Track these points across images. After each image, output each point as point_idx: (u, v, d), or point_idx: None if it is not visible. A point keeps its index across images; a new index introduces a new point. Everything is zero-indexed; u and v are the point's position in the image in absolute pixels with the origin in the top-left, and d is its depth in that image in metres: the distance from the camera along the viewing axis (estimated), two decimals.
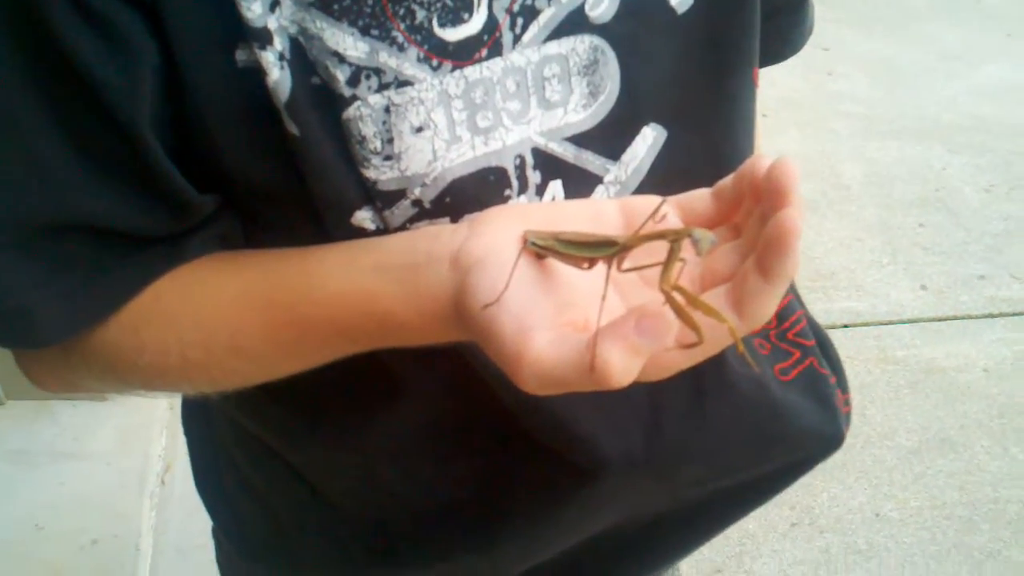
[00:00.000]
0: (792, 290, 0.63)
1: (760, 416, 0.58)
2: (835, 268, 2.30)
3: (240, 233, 0.49)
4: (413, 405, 0.55)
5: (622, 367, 0.33)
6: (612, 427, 0.54)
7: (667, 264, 0.37)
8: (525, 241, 0.41)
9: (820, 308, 2.16)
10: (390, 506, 0.60)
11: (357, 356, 0.48)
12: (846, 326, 2.14)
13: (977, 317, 2.17)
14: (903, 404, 1.95)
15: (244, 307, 0.47)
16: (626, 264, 0.40)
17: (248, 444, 0.64)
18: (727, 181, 0.42)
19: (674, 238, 0.37)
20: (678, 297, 0.36)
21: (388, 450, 0.57)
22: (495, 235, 0.41)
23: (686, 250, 0.38)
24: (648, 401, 0.54)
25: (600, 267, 0.40)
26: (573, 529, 0.60)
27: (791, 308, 0.62)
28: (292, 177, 0.45)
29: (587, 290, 0.40)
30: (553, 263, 0.41)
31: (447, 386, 0.54)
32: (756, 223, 0.39)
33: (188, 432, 0.72)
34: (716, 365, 0.55)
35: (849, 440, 0.62)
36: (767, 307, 0.36)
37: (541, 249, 0.40)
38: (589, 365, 0.34)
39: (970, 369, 2.03)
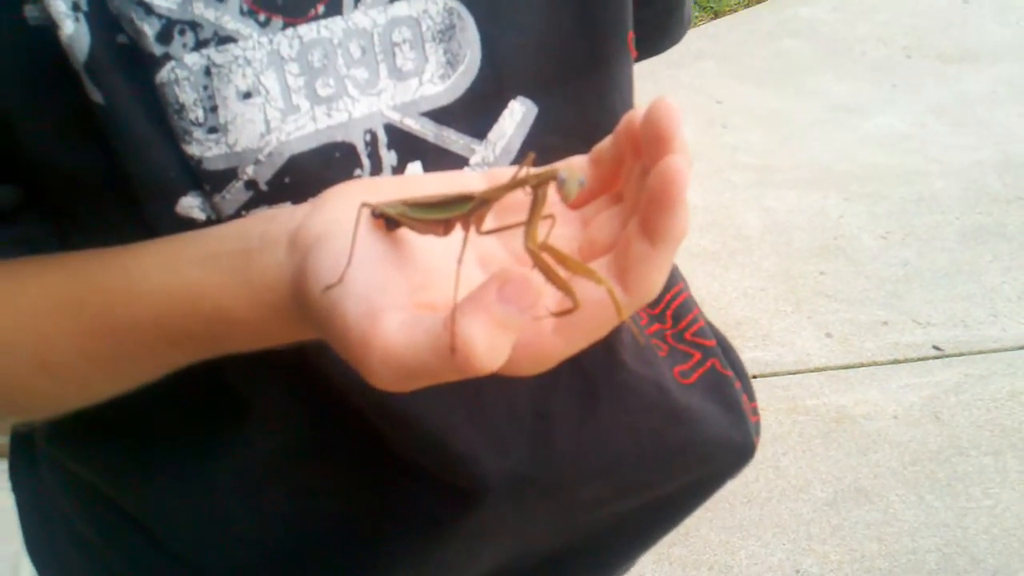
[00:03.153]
0: (685, 288, 0.59)
1: (661, 423, 0.53)
2: (740, 318, 2.31)
3: (53, 235, 0.43)
4: (261, 429, 0.49)
5: (487, 345, 0.28)
6: (493, 440, 0.48)
7: (530, 217, 0.32)
8: (373, 212, 0.35)
9: None
10: (242, 551, 0.53)
11: (191, 372, 0.42)
12: (755, 376, 2.13)
13: (883, 363, 2.20)
14: (816, 455, 1.95)
15: (50, 314, 0.41)
16: (488, 226, 0.35)
17: (77, 491, 0.56)
18: (606, 143, 0.37)
19: (536, 183, 0.32)
20: (546, 257, 0.31)
21: (235, 485, 0.51)
22: (339, 209, 0.36)
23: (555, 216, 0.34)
24: (532, 408, 0.49)
25: (476, 238, 0.35)
26: (458, 569, 0.53)
27: (687, 307, 0.59)
28: (105, 159, 0.39)
29: (446, 271, 0.35)
30: (405, 239, 0.36)
31: (299, 403, 0.48)
32: (636, 180, 0.34)
33: (15, 483, 0.63)
34: (607, 365, 0.51)
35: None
36: (656, 275, 0.31)
37: (388, 217, 0.35)
38: (449, 346, 0.28)
39: (880, 417, 2.05)
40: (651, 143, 0.32)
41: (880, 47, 3.57)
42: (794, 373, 2.16)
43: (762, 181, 2.88)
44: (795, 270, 2.49)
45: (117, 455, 0.52)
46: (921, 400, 2.09)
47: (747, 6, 3.93)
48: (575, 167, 0.31)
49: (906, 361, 2.21)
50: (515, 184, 0.33)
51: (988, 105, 3.15)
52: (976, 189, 2.76)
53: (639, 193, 0.32)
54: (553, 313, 0.31)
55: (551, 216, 0.36)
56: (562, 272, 0.31)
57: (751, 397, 0.61)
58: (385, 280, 0.33)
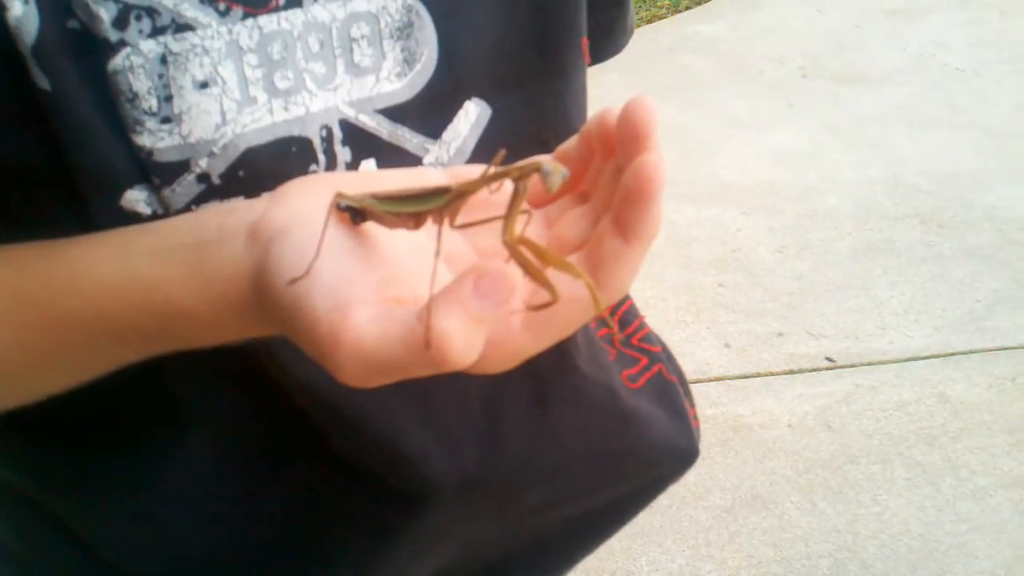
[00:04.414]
0: (629, 295, 0.60)
1: (609, 426, 0.54)
2: None
3: None
4: (204, 432, 0.48)
5: (463, 340, 0.28)
6: (444, 442, 0.48)
7: (510, 211, 0.32)
8: (337, 204, 0.35)
9: None
10: (182, 559, 0.51)
11: (131, 372, 0.41)
12: None
13: (778, 374, 2.27)
14: (715, 462, 1.99)
15: None
16: (460, 220, 0.35)
17: (2, 496, 0.53)
18: (571, 142, 0.38)
19: (518, 175, 0.32)
20: (524, 252, 0.31)
21: (177, 490, 0.49)
22: (302, 202, 0.36)
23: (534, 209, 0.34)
24: (483, 410, 0.49)
25: (429, 233, 0.35)
26: (402, 571, 0.53)
27: (632, 313, 0.60)
28: (47, 150, 0.38)
29: (412, 264, 0.35)
30: (371, 234, 0.35)
31: (244, 406, 0.47)
32: (610, 178, 0.35)
33: None
34: (560, 367, 0.51)
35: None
36: (628, 273, 0.32)
37: (357, 211, 0.35)
38: (423, 341, 0.28)
39: (775, 425, 2.11)
40: (626, 141, 0.32)
41: (777, 66, 3.69)
42: (694, 382, 2.20)
43: (664, 194, 2.93)
44: (695, 281, 2.55)
45: (48, 458, 0.50)
46: (814, 410, 2.16)
47: (649, 22, 4.01)
48: (559, 163, 0.32)
49: (800, 372, 2.28)
50: (496, 176, 0.33)
51: (879, 126, 3.28)
52: (867, 206, 2.87)
53: (612, 192, 0.33)
54: (532, 307, 0.31)
55: (527, 212, 0.36)
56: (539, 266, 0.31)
57: (691, 403, 0.62)
58: (353, 273, 0.32)
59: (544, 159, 0.33)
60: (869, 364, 2.29)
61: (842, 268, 2.62)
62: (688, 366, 2.27)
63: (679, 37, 3.88)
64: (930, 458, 2.02)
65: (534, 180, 0.32)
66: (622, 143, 0.33)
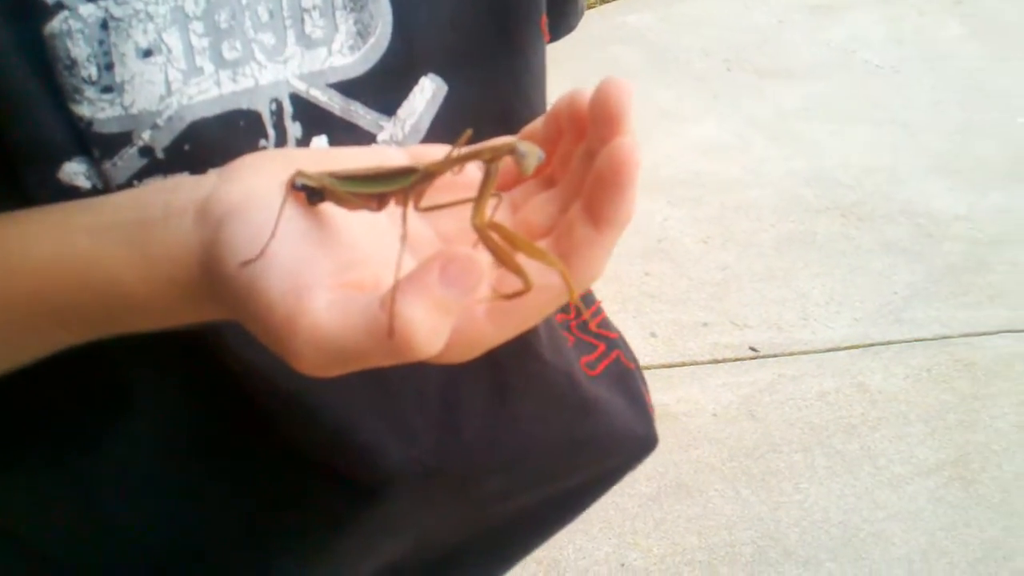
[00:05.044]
0: None
1: (569, 414, 0.53)
2: None
3: None
4: (145, 418, 0.45)
5: (428, 329, 0.27)
6: (400, 431, 0.47)
7: (480, 194, 0.30)
8: (293, 183, 0.33)
9: None
10: (119, 551, 0.49)
11: (70, 355, 0.38)
12: None
13: (703, 363, 2.29)
14: None
15: None
16: (427, 203, 0.33)
17: None
18: (536, 124, 0.37)
19: (491, 157, 0.30)
20: (495, 238, 0.30)
21: (116, 479, 0.47)
22: (254, 180, 0.34)
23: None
24: (441, 397, 0.48)
25: (388, 215, 0.34)
26: (354, 563, 0.51)
27: (590, 298, 0.59)
28: None
29: (372, 248, 0.33)
30: (328, 215, 0.33)
31: (188, 393, 0.45)
32: (581, 162, 0.33)
33: None
34: (521, 355, 0.50)
35: None
36: (600, 260, 0.31)
37: (315, 191, 0.33)
38: (385, 329, 0.27)
39: (699, 414, 2.13)
40: (599, 123, 0.31)
41: (703, 58, 3.73)
42: None
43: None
44: (622, 271, 2.56)
45: None
46: (738, 399, 2.19)
47: None
48: (534, 144, 0.30)
49: (724, 361, 2.31)
50: (467, 157, 0.31)
51: (801, 120, 3.34)
52: (789, 199, 2.92)
53: (582, 177, 0.31)
54: (504, 296, 0.30)
55: (497, 195, 0.34)
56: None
57: (646, 390, 0.62)
58: (310, 256, 0.31)
59: (517, 140, 0.31)
60: (791, 354, 2.33)
61: (765, 260, 2.66)
62: None
63: (608, 27, 3.89)
64: (849, 447, 2.07)
65: (506, 162, 0.31)
66: (595, 125, 0.32)
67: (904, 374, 2.27)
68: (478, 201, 0.30)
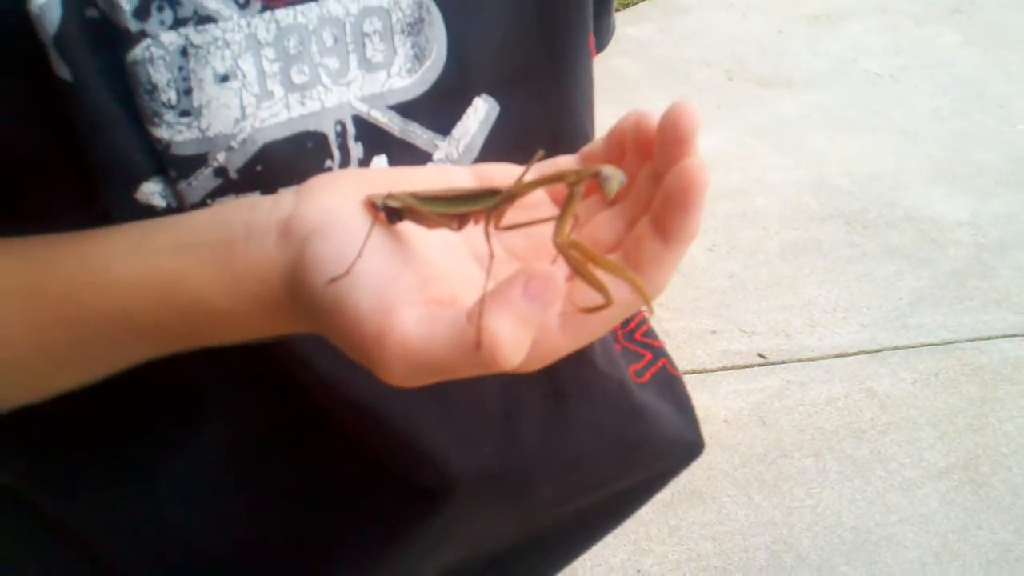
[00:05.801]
0: None
1: (622, 421, 0.55)
2: None
3: None
4: (214, 427, 0.47)
5: (513, 341, 0.29)
6: (462, 439, 0.48)
7: (563, 214, 0.32)
8: (373, 204, 0.35)
9: None
10: (185, 560, 0.50)
11: (143, 366, 0.40)
12: None
13: (713, 370, 2.30)
14: None
15: (1, 301, 0.38)
16: (505, 222, 0.35)
17: None
18: (598, 143, 0.39)
19: (575, 180, 0.32)
20: (576, 255, 0.32)
21: (179, 488, 0.48)
22: (333, 199, 0.36)
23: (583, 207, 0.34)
24: (501, 406, 0.49)
25: (465, 232, 0.36)
26: (413, 567, 0.53)
27: None
28: (61, 140, 0.37)
29: (447, 264, 0.35)
30: (406, 233, 0.35)
31: (256, 402, 0.46)
32: (647, 181, 0.35)
33: None
34: (576, 364, 0.51)
35: None
36: (667, 274, 0.33)
37: (394, 211, 0.35)
38: (473, 342, 0.29)
39: (711, 421, 2.14)
40: (667, 145, 0.33)
41: (705, 69, 3.76)
42: None
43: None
44: None
45: (43, 456, 0.48)
46: (748, 405, 2.20)
47: None
48: (617, 168, 0.32)
49: (734, 368, 2.32)
50: (551, 179, 0.33)
51: (803, 128, 3.36)
52: (794, 207, 2.94)
53: (648, 195, 0.33)
54: (586, 309, 0.32)
55: (576, 216, 0.36)
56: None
57: (689, 397, 0.64)
58: (395, 273, 0.33)
59: (603, 164, 0.33)
60: (799, 361, 2.35)
61: (771, 267, 2.68)
62: None
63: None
64: (860, 451, 2.08)
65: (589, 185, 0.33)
66: (663, 147, 0.33)
67: (912, 379, 2.28)
68: (561, 221, 0.32)
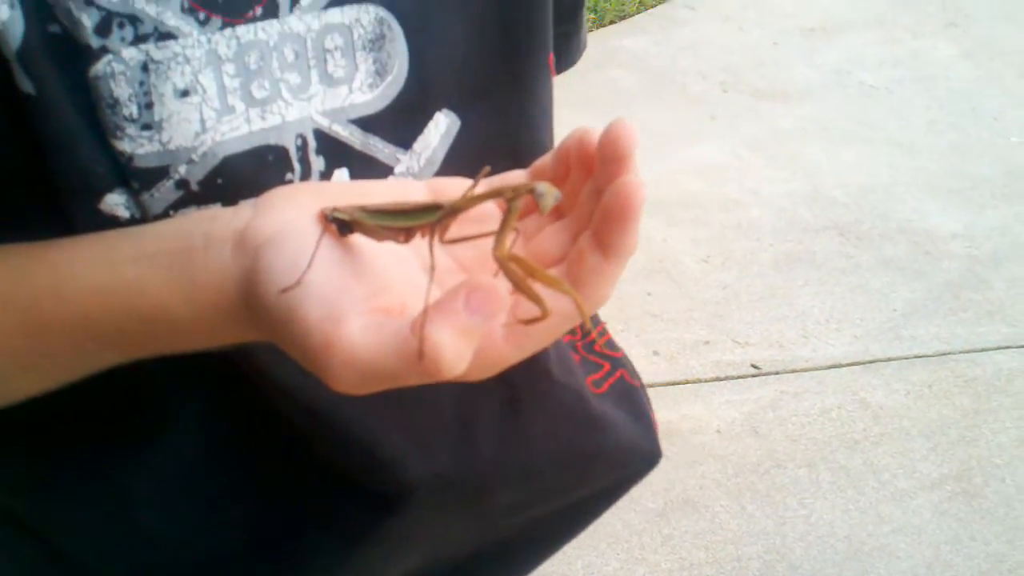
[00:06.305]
0: None
1: (578, 430, 0.56)
2: None
3: None
4: (181, 433, 0.48)
5: (454, 351, 0.30)
6: (419, 445, 0.49)
7: (502, 228, 0.33)
8: (325, 217, 0.36)
9: None
10: (148, 561, 0.51)
11: (111, 372, 0.41)
12: None
13: (706, 381, 2.31)
14: None
15: None
16: (449, 235, 0.36)
17: None
18: (546, 159, 0.40)
19: (512, 196, 0.34)
20: (515, 268, 0.33)
21: (148, 492, 0.49)
22: (288, 211, 0.37)
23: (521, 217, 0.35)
24: (456, 414, 0.50)
25: (416, 244, 0.37)
26: (374, 572, 0.53)
27: (594, 320, 0.61)
28: (26, 153, 0.38)
29: (397, 274, 0.36)
30: (357, 245, 0.36)
31: (221, 409, 0.47)
32: (589, 197, 0.37)
33: None
34: (532, 373, 0.52)
35: None
36: (608, 287, 0.34)
37: (344, 224, 0.36)
38: (416, 352, 0.30)
39: (704, 431, 2.14)
40: (606, 162, 0.34)
41: (700, 81, 3.77)
42: None
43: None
44: (623, 291, 2.58)
45: (16, 461, 0.49)
46: (741, 415, 2.20)
47: None
48: (552, 185, 0.33)
49: (727, 379, 2.32)
50: (490, 195, 0.34)
51: (797, 140, 3.37)
52: (788, 218, 2.94)
53: (590, 210, 0.35)
54: (523, 321, 0.33)
55: (515, 229, 0.37)
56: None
57: (650, 407, 0.64)
58: (344, 284, 0.33)
59: (537, 182, 0.34)
60: (793, 371, 2.35)
61: (765, 278, 2.68)
62: None
63: (605, 51, 3.93)
64: (853, 462, 2.08)
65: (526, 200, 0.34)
66: (602, 164, 0.34)
67: (905, 390, 2.29)
68: (500, 235, 0.33)
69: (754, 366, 2.36)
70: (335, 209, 0.36)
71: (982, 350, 2.42)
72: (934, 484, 2.03)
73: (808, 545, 1.88)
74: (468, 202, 0.35)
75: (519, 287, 0.32)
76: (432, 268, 0.33)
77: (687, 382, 2.29)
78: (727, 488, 2.00)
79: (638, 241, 0.33)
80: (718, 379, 2.32)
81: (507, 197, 0.34)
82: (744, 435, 2.15)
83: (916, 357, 2.40)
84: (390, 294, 0.34)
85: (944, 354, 2.40)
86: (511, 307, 0.33)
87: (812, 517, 1.94)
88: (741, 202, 3.02)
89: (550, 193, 0.33)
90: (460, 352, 0.29)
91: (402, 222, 0.35)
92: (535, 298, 0.32)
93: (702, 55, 3.97)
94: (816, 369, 2.36)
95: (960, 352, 2.41)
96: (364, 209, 0.36)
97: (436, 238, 0.35)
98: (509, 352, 0.33)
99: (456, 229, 0.37)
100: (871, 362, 2.38)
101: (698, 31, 4.18)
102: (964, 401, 2.26)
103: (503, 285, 0.31)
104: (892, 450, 2.12)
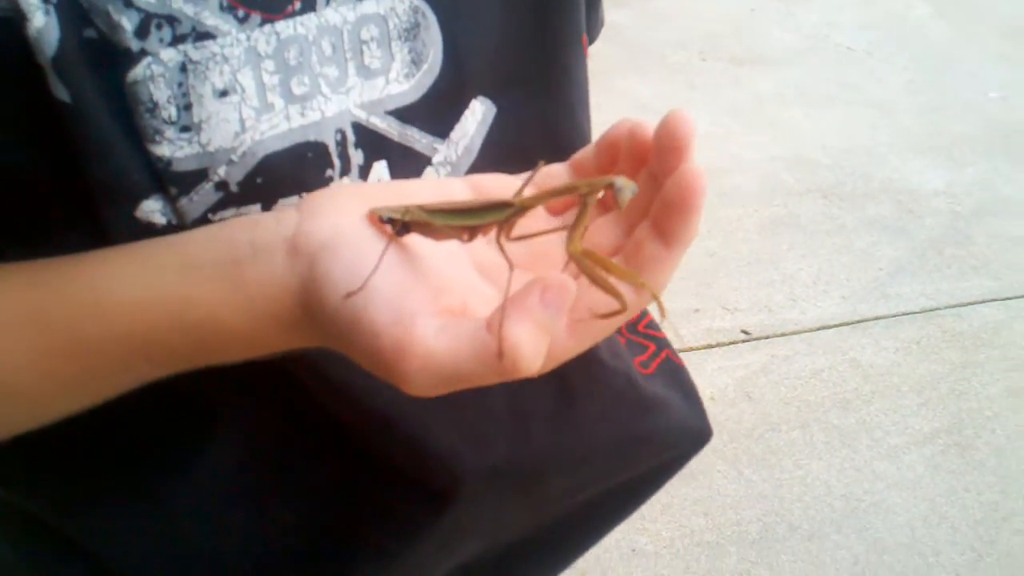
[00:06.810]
0: None
1: (630, 413, 0.55)
2: None
3: None
4: (228, 442, 0.47)
5: (533, 348, 0.30)
6: (473, 440, 0.49)
7: (576, 224, 0.33)
8: (379, 218, 0.35)
9: None
10: (198, 571, 0.50)
11: (157, 384, 0.40)
12: None
13: (698, 348, 2.32)
14: None
15: (8, 330, 0.38)
16: (514, 232, 0.36)
17: (5, 517, 0.51)
18: (588, 151, 0.40)
19: (588, 191, 0.34)
20: (589, 262, 0.33)
21: (194, 503, 0.48)
22: (337, 215, 0.36)
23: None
24: (508, 406, 0.50)
25: (475, 243, 0.36)
26: (429, 565, 0.53)
27: None
28: (60, 161, 0.37)
29: (455, 274, 0.36)
30: (413, 246, 0.36)
31: (268, 415, 0.47)
32: (646, 186, 0.36)
33: None
34: (583, 360, 0.52)
35: None
36: (667, 275, 0.34)
37: (402, 224, 0.35)
38: (494, 351, 0.30)
39: None
40: (664, 152, 0.34)
41: (679, 51, 3.77)
42: None
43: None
44: None
45: (62, 479, 0.48)
46: (734, 381, 2.22)
47: None
48: (629, 179, 0.33)
49: (718, 345, 2.34)
50: (564, 190, 0.34)
51: (777, 105, 3.38)
52: (771, 184, 2.95)
53: (646, 199, 0.34)
54: (602, 315, 0.33)
55: (586, 225, 0.37)
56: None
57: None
58: (409, 286, 0.33)
59: (615, 175, 0.34)
60: (783, 335, 2.37)
61: (751, 244, 2.69)
62: None
63: None
64: (846, 421, 2.10)
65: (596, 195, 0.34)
66: (660, 154, 0.35)
67: (894, 348, 2.31)
68: (573, 230, 0.33)
69: (744, 332, 2.38)
70: (402, 209, 0.35)
71: (967, 304, 2.44)
72: (926, 438, 2.05)
73: (806, 505, 1.90)
74: (538, 199, 0.35)
75: (596, 282, 0.32)
76: (511, 268, 0.33)
77: (679, 350, 2.30)
78: (723, 454, 2.02)
79: (698, 229, 0.33)
80: (709, 346, 2.33)
81: (582, 192, 0.34)
82: (738, 400, 2.17)
83: (903, 315, 2.42)
84: (451, 294, 0.34)
85: (930, 310, 2.42)
86: (575, 302, 0.33)
87: (808, 478, 1.97)
88: (724, 169, 3.03)
89: (628, 186, 0.33)
90: (538, 348, 0.30)
91: (470, 220, 0.35)
92: (613, 292, 0.32)
93: (680, 25, 3.97)
94: (805, 331, 2.37)
95: (946, 307, 2.43)
96: (424, 208, 0.35)
97: (503, 236, 0.35)
98: (571, 345, 0.33)
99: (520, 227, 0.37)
100: (859, 322, 2.40)
101: (676, 2, 4.17)
102: (952, 355, 2.28)
103: (571, 280, 0.31)
104: (884, 407, 2.14)
